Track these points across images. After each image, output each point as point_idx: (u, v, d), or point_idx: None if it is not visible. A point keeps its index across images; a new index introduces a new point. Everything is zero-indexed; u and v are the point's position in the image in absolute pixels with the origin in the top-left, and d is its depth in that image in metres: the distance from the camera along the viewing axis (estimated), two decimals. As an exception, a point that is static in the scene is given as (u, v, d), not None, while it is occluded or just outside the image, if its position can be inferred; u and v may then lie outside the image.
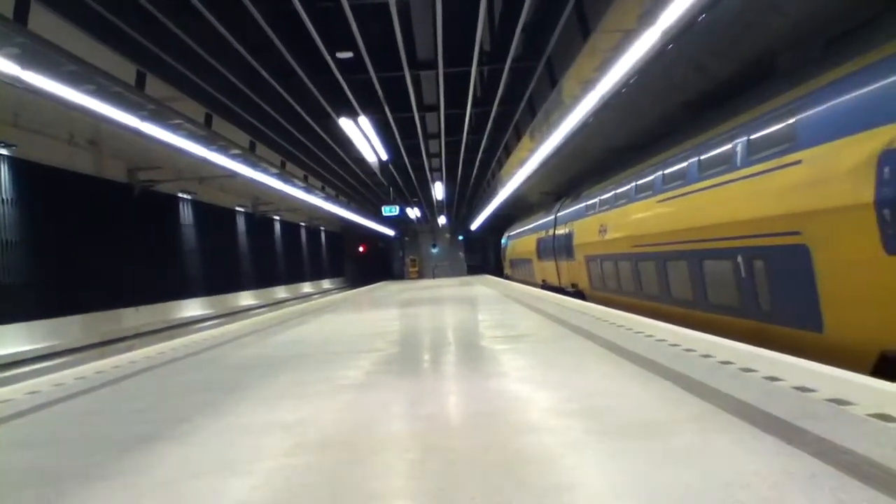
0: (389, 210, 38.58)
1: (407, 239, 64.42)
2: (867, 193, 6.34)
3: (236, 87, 16.16)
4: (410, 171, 31.00)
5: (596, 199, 17.91)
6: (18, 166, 17.90)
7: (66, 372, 8.03)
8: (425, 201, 44.53)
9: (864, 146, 6.47)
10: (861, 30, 7.88)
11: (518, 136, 23.64)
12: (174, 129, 18.11)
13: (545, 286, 24.85)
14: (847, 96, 7.02)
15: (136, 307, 23.36)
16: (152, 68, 14.63)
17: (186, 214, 29.61)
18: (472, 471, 3.35)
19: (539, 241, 27.42)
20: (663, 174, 12.44)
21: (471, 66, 14.74)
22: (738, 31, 10.68)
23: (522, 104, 19.35)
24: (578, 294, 19.49)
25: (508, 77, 16.36)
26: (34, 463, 4.05)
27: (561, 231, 22.53)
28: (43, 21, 11.47)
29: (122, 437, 4.53)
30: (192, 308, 28.54)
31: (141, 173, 24.43)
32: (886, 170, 6.12)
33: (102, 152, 21.89)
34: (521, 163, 24.67)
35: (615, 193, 15.85)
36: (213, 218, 32.47)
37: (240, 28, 12.59)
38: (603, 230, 16.64)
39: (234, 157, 23.24)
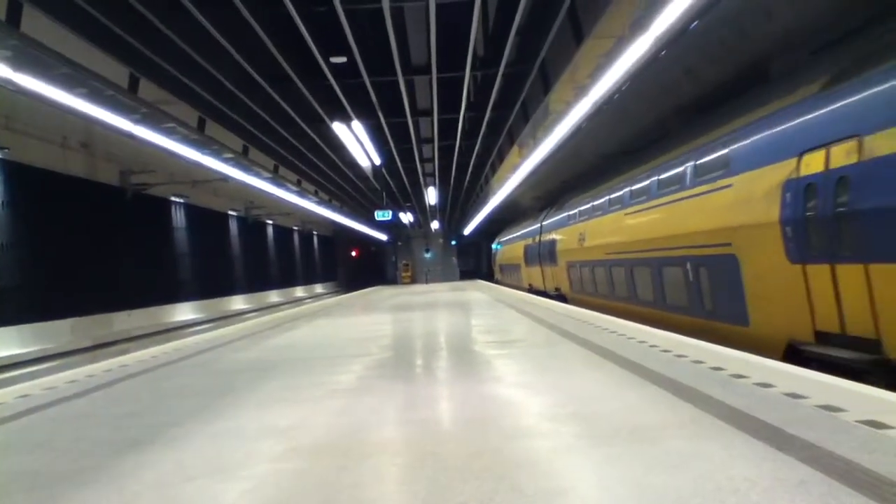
0: (382, 214, 38.51)
1: (400, 244, 64.31)
2: (775, 213, 7.98)
3: (230, 91, 16.14)
4: (403, 175, 30.99)
5: (576, 210, 19.70)
6: (10, 169, 17.82)
7: (58, 375, 8.00)
8: (418, 206, 44.52)
9: (774, 175, 8.10)
10: (851, 36, 7.97)
11: (511, 142, 23.69)
12: (167, 132, 18.09)
13: (531, 290, 26.22)
14: (764, 133, 8.64)
15: (129, 311, 23.27)
16: (146, 72, 14.61)
17: (179, 218, 29.53)
18: (464, 476, 3.35)
19: (526, 248, 29.23)
20: (630, 190, 14.14)
21: (464, 71, 14.76)
22: (731, 36, 10.77)
23: (516, 109, 19.39)
24: (561, 297, 21.00)
25: (502, 82, 16.40)
26: (26, 467, 4.03)
27: (546, 238, 24.06)
28: (36, 24, 11.46)
29: (115, 441, 4.51)
30: (184, 312, 28.45)
31: (134, 176, 24.35)
32: (788, 195, 7.76)
33: (95, 155, 21.82)
34: (514, 168, 24.74)
35: (592, 205, 17.62)
36: (206, 221, 32.39)
37: (234, 32, 12.58)
38: (582, 239, 18.38)
39: (227, 160, 23.24)
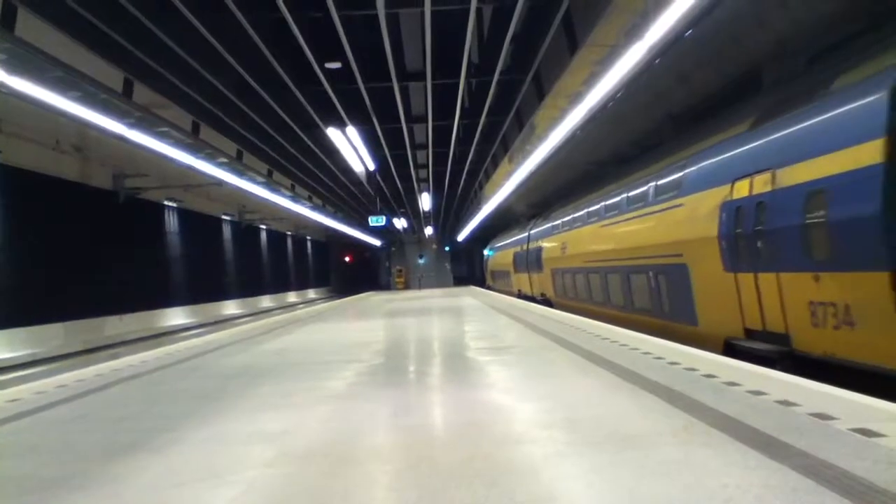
0: (376, 220, 38.49)
1: (393, 249, 64.30)
2: (714, 229, 9.39)
3: (224, 96, 16.12)
4: (398, 181, 31.01)
5: (559, 221, 21.24)
6: (2, 172, 17.75)
7: (48, 380, 7.96)
8: (412, 212, 44.54)
9: (714, 198, 9.48)
10: (843, 45, 8.04)
11: (505, 148, 23.73)
12: (161, 136, 18.06)
13: (520, 295, 27.75)
14: (708, 161, 10.15)
15: (120, 315, 23.17)
16: (140, 75, 14.58)
17: (172, 222, 29.46)
18: (456, 482, 3.34)
19: (516, 255, 30.78)
20: (605, 204, 15.61)
21: (459, 77, 14.79)
22: (725, 45, 10.83)
23: (510, 116, 19.43)
24: (546, 302, 22.52)
25: (496, 89, 16.44)
26: (15, 471, 4.00)
27: (533, 247, 25.73)
28: (30, 27, 11.42)
29: (105, 445, 4.49)
30: (176, 316, 28.35)
31: (127, 180, 24.28)
32: (723, 215, 9.14)
33: (88, 159, 21.75)
34: (507, 175, 24.80)
35: (573, 217, 19.17)
36: (199, 226, 32.32)
37: (229, 37, 12.58)
38: (564, 248, 19.98)
39: (221, 165, 23.20)
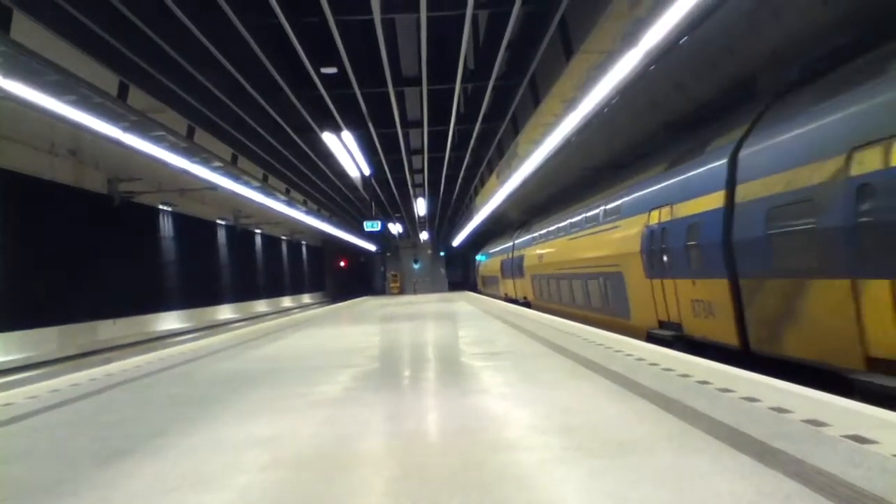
0: (371, 225, 38.52)
1: (388, 254, 64.24)
2: (638, 245, 12.43)
3: (220, 100, 16.10)
4: (393, 186, 30.99)
5: (537, 233, 24.85)
6: (-4, 175, 17.71)
7: (41, 384, 7.92)
8: (407, 217, 44.53)
9: (639, 222, 12.52)
10: (837, 53, 8.09)
11: (501, 154, 23.77)
12: (156, 140, 18.02)
13: (506, 298, 30.61)
14: (637, 193, 13.17)
15: (114, 319, 23.11)
16: (135, 80, 14.55)
17: (166, 226, 29.40)
18: (450, 489, 3.33)
19: (502, 263, 34.67)
20: (570, 221, 19.08)
21: (455, 83, 14.79)
22: (719, 53, 10.90)
23: (505, 122, 19.45)
24: (526, 304, 25.91)
25: (492, 95, 16.45)
26: (5, 476, 3.98)
27: (516, 255, 29.35)
28: (25, 30, 11.40)
29: (96, 451, 4.46)
30: (170, 321, 28.27)
31: (121, 184, 24.24)
32: (643, 235, 12.17)
33: (83, 162, 21.72)
34: (502, 181, 24.91)
35: (547, 230, 22.75)
36: (194, 230, 32.27)
37: (224, 41, 12.56)
38: (541, 257, 23.44)
39: (215, 169, 23.16)
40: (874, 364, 6.38)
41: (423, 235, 55.03)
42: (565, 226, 19.75)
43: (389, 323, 16.92)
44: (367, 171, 22.53)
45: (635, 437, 4.09)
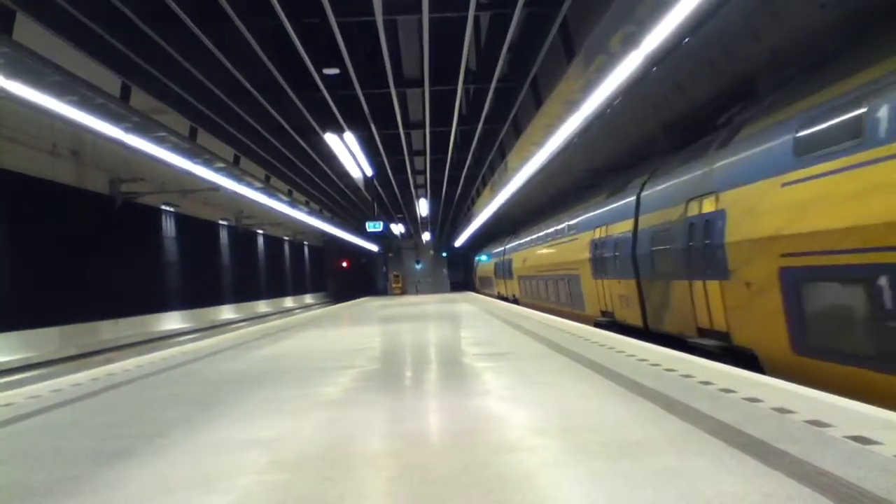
0: (373, 226, 38.48)
1: (390, 255, 64.17)
2: (587, 254, 16.34)
3: (222, 101, 16.13)
4: (395, 187, 31.01)
5: (523, 241, 29.59)
6: (-1, 176, 17.74)
7: (42, 384, 7.92)
8: (409, 217, 44.53)
9: (587, 237, 16.49)
10: (833, 57, 8.09)
11: (503, 155, 23.78)
12: (158, 141, 18.06)
13: (499, 297, 35.32)
14: (586, 215, 17.34)
15: (116, 319, 23.13)
16: (138, 81, 14.59)
17: (168, 227, 29.44)
18: (451, 490, 3.33)
19: (496, 265, 39.66)
20: (546, 232, 23.60)
21: (457, 84, 14.81)
22: (718, 56, 10.90)
23: (507, 124, 19.47)
24: (515, 301, 30.14)
25: (494, 96, 16.46)
26: (6, 477, 3.98)
27: (507, 258, 34.05)
28: (28, 31, 11.43)
29: (98, 451, 4.46)
30: (172, 321, 28.30)
31: (124, 185, 24.28)
32: (591, 247, 15.97)
33: (85, 163, 21.76)
34: (504, 182, 25.00)
35: (530, 238, 27.54)
36: (196, 231, 32.31)
37: (227, 42, 12.59)
38: (525, 260, 28.05)
39: (218, 170, 23.19)
40: (700, 332, 10.13)
41: (426, 236, 55.02)
42: (542, 236, 24.39)
43: (391, 324, 16.92)
44: (369, 172, 22.55)
45: (637, 438, 4.08)
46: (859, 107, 6.48)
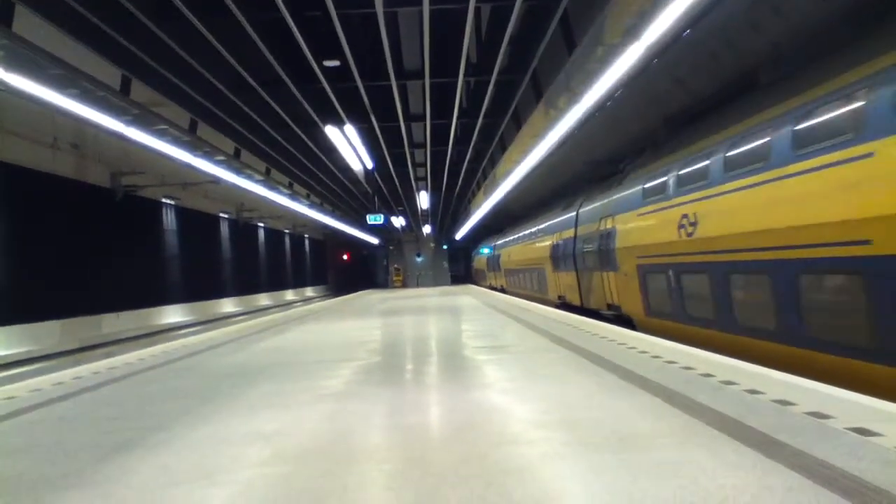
0: (374, 218, 38.50)
1: (391, 248, 64.28)
2: (548, 254, 22.27)
3: (222, 94, 16.10)
4: (396, 180, 30.99)
5: (508, 239, 35.65)
6: (-1, 169, 17.72)
7: (43, 377, 7.94)
8: (410, 210, 44.52)
9: (549, 240, 22.26)
10: (839, 50, 8.05)
11: (503, 148, 23.76)
12: (159, 134, 18.01)
13: (491, 287, 39.78)
14: (549, 223, 23.29)
15: (117, 313, 23.15)
16: (138, 73, 14.55)
17: (169, 220, 29.42)
18: (452, 482, 3.34)
19: (488, 259, 46.12)
20: (523, 234, 29.66)
21: (457, 77, 14.78)
22: (720, 48, 10.87)
23: (508, 116, 19.44)
24: (502, 290, 35.11)
25: (494, 89, 16.43)
26: (8, 470, 3.99)
27: (497, 254, 40.37)
28: (28, 24, 11.40)
29: (99, 444, 4.47)
30: (173, 314, 28.32)
31: (124, 178, 24.25)
32: (551, 249, 21.96)
33: (85, 156, 21.72)
34: (505, 174, 25.05)
35: (513, 238, 33.53)
36: (196, 224, 32.27)
37: (227, 34, 12.55)
38: (510, 256, 34.17)
39: (218, 163, 23.15)
40: (608, 306, 15.15)
41: (426, 229, 55.04)
42: (520, 237, 30.63)
43: (392, 317, 16.94)
44: (369, 165, 22.54)
45: (638, 430, 4.09)
46: (667, 175, 11.56)
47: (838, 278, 7.04)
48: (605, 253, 14.75)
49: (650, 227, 12.06)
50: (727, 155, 9.35)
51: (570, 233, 18.73)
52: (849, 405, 4.33)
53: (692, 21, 9.42)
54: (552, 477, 3.41)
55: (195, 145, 20.51)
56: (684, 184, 10.73)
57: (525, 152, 19.46)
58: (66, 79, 12.95)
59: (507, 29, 12.39)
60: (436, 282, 58.29)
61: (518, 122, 19.65)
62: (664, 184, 11.57)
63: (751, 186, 8.47)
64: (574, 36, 12.60)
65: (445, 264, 65.35)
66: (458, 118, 18.99)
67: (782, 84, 9.05)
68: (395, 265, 64.11)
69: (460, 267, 65.29)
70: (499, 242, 39.67)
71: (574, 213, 18.55)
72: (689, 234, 10.28)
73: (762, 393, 4.80)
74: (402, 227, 52.92)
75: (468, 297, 26.20)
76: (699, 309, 10.28)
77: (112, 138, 18.37)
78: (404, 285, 59.09)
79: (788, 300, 7.71)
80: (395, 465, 3.74)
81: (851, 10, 8.37)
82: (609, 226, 14.54)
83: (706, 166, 9.98)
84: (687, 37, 10.38)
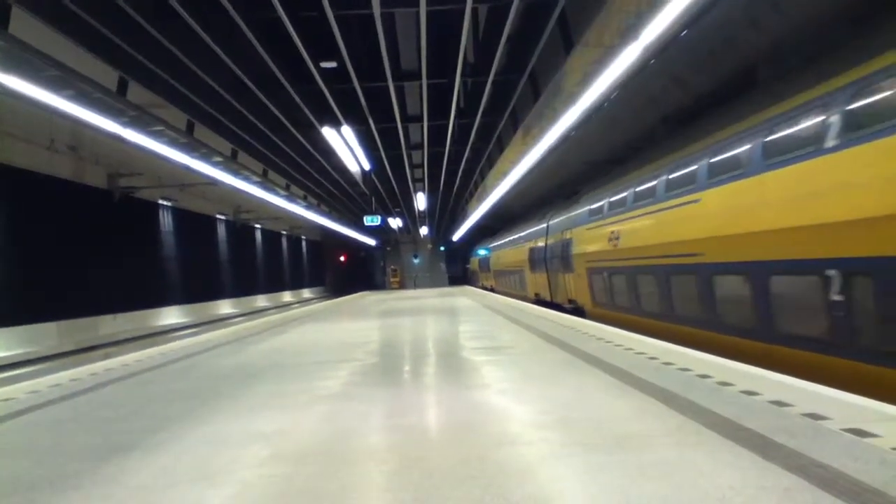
0: (371, 220, 38.46)
1: (388, 249, 64.27)
2: (526, 257, 27.01)
3: (219, 95, 16.09)
4: (393, 181, 30.98)
5: (496, 244, 40.45)
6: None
7: (42, 379, 7.93)
8: (407, 212, 44.52)
9: (525, 248, 27.42)
10: (835, 49, 8.08)
11: (501, 148, 23.78)
12: (156, 135, 18.01)
13: (483, 287, 43.38)
14: (523, 233, 28.95)
15: (115, 314, 23.12)
16: (135, 75, 14.54)
17: (166, 222, 29.40)
18: (451, 482, 3.35)
19: (479, 262, 50.98)
20: (507, 240, 34.32)
21: (454, 77, 14.77)
22: (719, 46, 10.89)
23: (505, 117, 19.44)
24: (492, 289, 38.81)
25: (492, 89, 16.43)
26: (8, 471, 3.99)
27: (487, 257, 45.24)
28: (24, 25, 11.39)
29: (98, 446, 4.48)
30: (170, 316, 28.30)
31: (122, 179, 24.23)
32: (526, 254, 26.92)
33: (83, 158, 21.70)
34: (503, 175, 25.16)
35: (499, 243, 38.91)
36: (194, 225, 32.27)
37: (224, 36, 12.55)
38: (498, 259, 38.80)
39: (215, 164, 23.14)
40: (569, 301, 18.77)
41: (423, 230, 55.03)
42: (505, 243, 35.67)
43: (389, 318, 16.94)
44: (366, 166, 22.51)
45: (636, 431, 4.10)
46: (602, 200, 15.36)
47: (683, 277, 10.62)
48: (566, 258, 18.78)
49: (593, 240, 15.92)
50: (636, 190, 12.95)
51: (542, 241, 23.04)
52: (845, 406, 4.34)
53: (692, 19, 9.43)
54: (551, 477, 3.42)
55: (192, 147, 20.50)
56: (613, 208, 14.47)
57: (522, 152, 19.70)
58: (63, 80, 12.94)
59: (504, 29, 12.39)
60: (433, 283, 58.28)
61: (515, 122, 19.65)
62: (601, 207, 15.44)
63: (644, 214, 12.33)
64: (572, 34, 12.61)
65: (443, 266, 65.36)
66: (456, 119, 18.98)
67: (661, 151, 12.80)
68: (393, 267, 64.10)
69: (458, 268, 65.30)
70: (489, 247, 45.09)
71: (545, 225, 22.60)
72: (615, 246, 13.97)
73: (759, 394, 4.81)
74: (400, 228, 52.90)
75: (465, 298, 26.21)
76: (622, 299, 13.93)
77: (109, 140, 18.35)
78: (402, 287, 59.06)
79: (665, 292, 11.41)
80: (393, 466, 3.75)
81: (851, 6, 8.38)
82: (568, 237, 18.49)
83: (624, 197, 13.66)
84: (685, 36, 10.42)
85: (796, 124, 7.71)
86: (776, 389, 4.93)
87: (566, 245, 18.55)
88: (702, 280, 9.77)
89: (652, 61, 11.28)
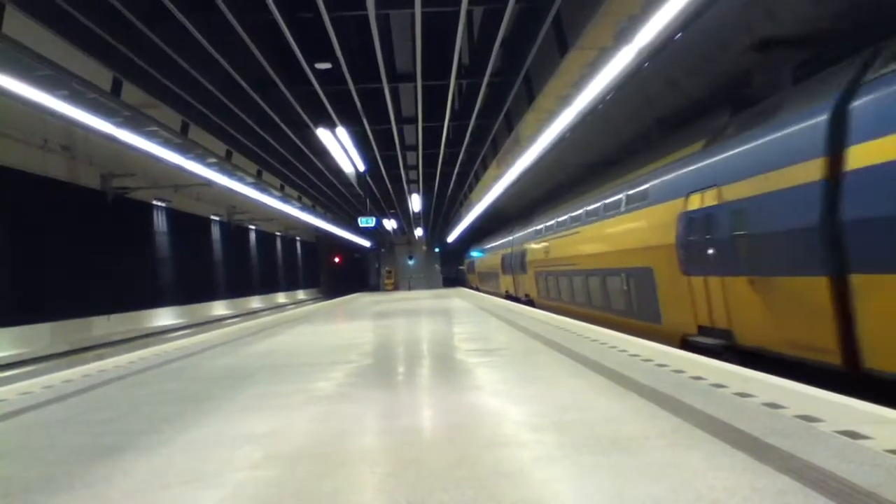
0: (366, 221, 38.50)
1: (383, 250, 64.24)
2: (499, 264, 34.78)
3: (214, 96, 16.07)
4: (387, 182, 31.00)
5: (484, 248, 44.32)
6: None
7: (33, 381, 7.90)
8: (402, 213, 44.56)
9: (498, 254, 34.94)
10: (829, 52, 8.13)
11: (495, 150, 23.81)
12: (150, 136, 17.98)
13: (471, 287, 48.59)
14: (503, 240, 34.01)
15: (108, 315, 23.05)
16: (129, 75, 14.52)
17: (160, 222, 29.34)
18: (444, 484, 3.34)
19: (467, 264, 56.15)
20: (490, 246, 40.67)
21: (449, 79, 14.80)
22: (712, 51, 10.92)
23: (500, 119, 19.47)
24: (476, 289, 43.72)
25: (486, 91, 16.46)
26: (0, 472, 3.97)
27: (472, 262, 51.45)
28: (17, 24, 11.36)
29: (90, 447, 4.45)
30: (164, 317, 28.23)
31: (115, 180, 24.17)
32: (502, 259, 33.45)
33: (76, 158, 21.65)
34: (497, 178, 25.22)
35: (488, 247, 41.61)
36: (188, 226, 32.20)
37: (219, 37, 12.54)
38: (483, 262, 44.58)
39: (210, 165, 23.11)
40: (525, 296, 25.91)
41: (418, 232, 55.02)
42: (491, 247, 39.52)
43: (384, 319, 16.92)
44: (361, 167, 22.53)
45: (630, 433, 4.10)
46: (542, 224, 22.49)
47: (575, 277, 16.93)
48: (523, 264, 25.83)
49: (537, 252, 22.74)
50: (557, 220, 19.61)
51: (509, 250, 30.04)
52: (838, 409, 4.35)
53: (685, 22, 9.46)
54: (545, 479, 3.41)
55: (186, 147, 20.48)
56: (546, 230, 21.27)
57: (519, 153, 19.82)
58: (56, 80, 12.92)
59: (499, 31, 12.41)
60: (428, 285, 58.26)
61: (510, 124, 19.68)
62: (541, 229, 22.25)
63: (558, 237, 19.06)
64: (567, 37, 12.64)
65: (437, 267, 65.38)
66: (451, 120, 19.01)
67: (573, 194, 19.14)
68: (387, 268, 64.07)
69: (452, 270, 65.33)
70: (476, 251, 50.89)
71: (511, 238, 29.95)
72: (547, 256, 20.91)
73: (753, 396, 4.82)
74: (394, 229, 52.91)
75: (459, 299, 26.20)
76: (553, 293, 20.23)
77: (103, 140, 18.33)
78: (396, 288, 59.03)
79: (569, 287, 17.46)
80: (387, 468, 3.74)
81: (844, 12, 8.43)
82: (524, 248, 25.56)
83: (551, 224, 20.49)
84: (679, 39, 10.46)
85: (614, 195, 13.98)
86: (770, 392, 4.94)
87: (523, 254, 25.79)
88: (580, 279, 16.67)
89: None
